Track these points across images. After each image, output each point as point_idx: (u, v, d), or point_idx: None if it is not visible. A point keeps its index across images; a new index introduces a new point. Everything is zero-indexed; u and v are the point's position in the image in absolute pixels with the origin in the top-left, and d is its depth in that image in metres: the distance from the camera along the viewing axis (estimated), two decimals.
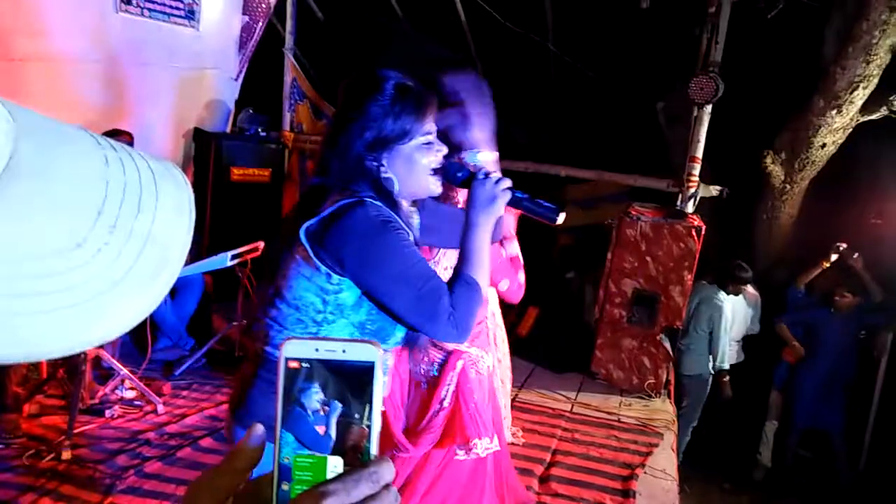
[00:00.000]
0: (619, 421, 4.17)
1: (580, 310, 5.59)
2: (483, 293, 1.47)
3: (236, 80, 5.91)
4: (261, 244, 4.23)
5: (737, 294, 4.99)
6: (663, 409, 4.42)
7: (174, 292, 4.18)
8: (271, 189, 5.72)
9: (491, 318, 3.07)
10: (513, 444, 3.46)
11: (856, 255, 4.86)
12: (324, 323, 1.43)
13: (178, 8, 5.11)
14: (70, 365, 3.44)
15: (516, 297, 2.67)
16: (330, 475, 0.48)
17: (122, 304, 0.43)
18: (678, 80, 5.19)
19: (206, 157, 5.46)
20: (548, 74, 7.36)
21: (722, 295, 4.86)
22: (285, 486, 0.49)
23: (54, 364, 3.63)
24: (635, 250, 4.62)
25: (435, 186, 1.55)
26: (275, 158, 5.85)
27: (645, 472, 3.51)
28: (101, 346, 3.66)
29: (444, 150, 1.55)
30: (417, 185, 1.53)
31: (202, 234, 5.38)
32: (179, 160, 5.55)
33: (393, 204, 1.46)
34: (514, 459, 3.36)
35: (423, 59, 7.16)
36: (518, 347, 3.42)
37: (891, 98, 5.23)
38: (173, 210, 0.46)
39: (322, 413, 0.49)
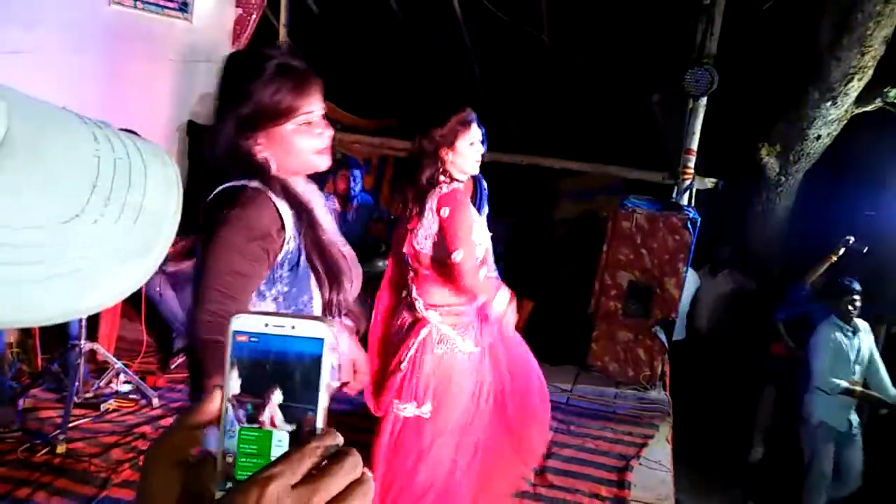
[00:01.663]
0: (614, 413, 4.18)
1: (576, 302, 5.60)
2: None
3: None
4: None
5: None
6: (658, 400, 4.44)
7: (177, 288, 4.17)
8: None
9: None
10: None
11: (865, 248, 4.81)
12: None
13: (171, 0, 5.08)
14: (65, 359, 3.43)
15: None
16: (275, 449, 0.48)
17: (118, 274, 0.44)
18: (673, 72, 5.19)
19: (200, 150, 5.43)
20: (542, 67, 7.35)
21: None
22: (229, 459, 0.49)
23: (49, 358, 3.62)
24: (630, 243, 4.63)
25: (321, 162, 1.55)
26: None
27: (640, 464, 3.52)
28: (96, 341, 3.65)
29: (330, 131, 1.54)
30: (298, 164, 1.53)
31: (198, 227, 5.36)
32: (174, 153, 5.52)
33: (272, 184, 1.46)
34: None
35: (418, 51, 7.15)
36: None
37: (885, 89, 5.24)
38: (162, 185, 0.48)
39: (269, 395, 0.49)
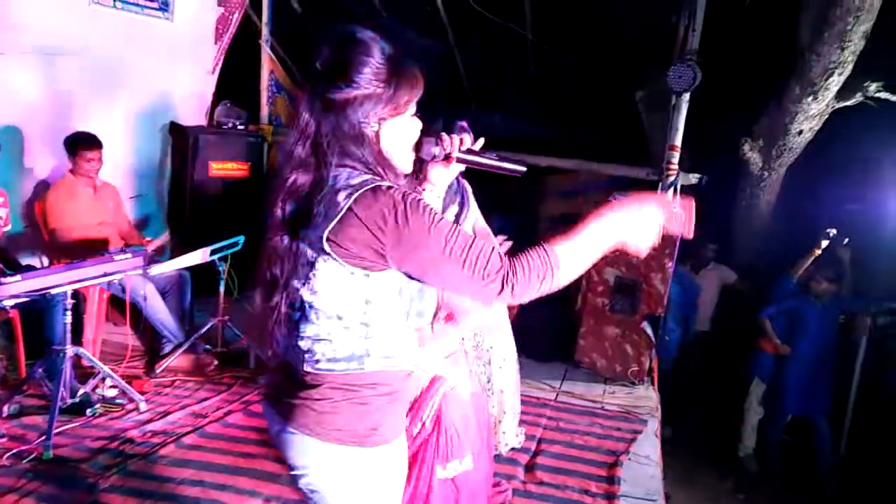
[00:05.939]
0: (603, 409, 4.20)
1: (563, 299, 5.61)
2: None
3: (213, 73, 5.84)
4: (241, 239, 4.20)
5: None
6: (647, 396, 4.46)
7: (164, 293, 4.13)
8: (250, 183, 5.67)
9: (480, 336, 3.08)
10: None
11: (846, 240, 4.88)
12: (371, 324, 1.38)
13: (151, 0, 5.04)
14: (49, 364, 3.40)
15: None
16: None
17: None
18: (657, 68, 5.22)
19: (183, 151, 5.40)
20: (526, 64, 7.36)
21: None
22: None
23: (33, 364, 3.58)
24: None
25: (409, 165, 1.48)
26: (253, 152, 5.79)
27: (629, 459, 3.54)
28: (81, 346, 3.62)
29: (420, 125, 1.47)
30: (401, 161, 1.44)
31: (182, 230, 5.33)
32: (156, 154, 5.47)
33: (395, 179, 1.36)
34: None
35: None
36: None
37: (865, 84, 5.30)
38: None
39: None
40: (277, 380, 1.49)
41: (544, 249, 1.31)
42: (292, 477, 1.47)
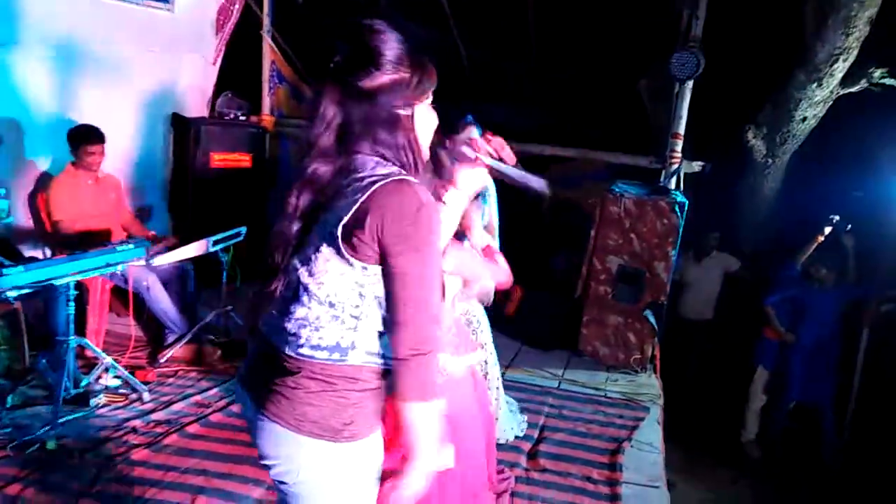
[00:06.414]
0: (605, 396, 4.20)
1: (566, 287, 5.61)
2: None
3: (214, 63, 5.83)
4: (243, 230, 4.20)
5: None
6: (649, 383, 4.46)
7: (166, 284, 4.14)
8: (252, 174, 5.67)
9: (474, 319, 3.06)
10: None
11: (848, 225, 4.87)
12: (361, 317, 1.36)
13: None
14: (53, 355, 3.41)
15: (506, 282, 2.61)
16: None
17: None
18: (660, 56, 5.19)
19: (185, 143, 5.40)
20: (529, 53, 7.33)
21: None
22: None
23: (37, 354, 3.59)
24: (619, 227, 4.63)
25: (428, 155, 1.46)
26: (255, 143, 5.79)
27: (631, 446, 3.54)
28: (84, 336, 3.63)
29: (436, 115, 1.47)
30: (425, 151, 1.44)
31: (184, 221, 5.33)
32: (158, 147, 5.47)
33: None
34: None
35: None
36: (505, 326, 3.42)
37: (870, 70, 5.26)
38: None
39: None
40: (255, 363, 1.47)
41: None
42: (263, 466, 1.45)
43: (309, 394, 1.35)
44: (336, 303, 1.35)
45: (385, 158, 1.34)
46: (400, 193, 1.28)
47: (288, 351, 1.37)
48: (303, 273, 1.36)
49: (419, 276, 1.30)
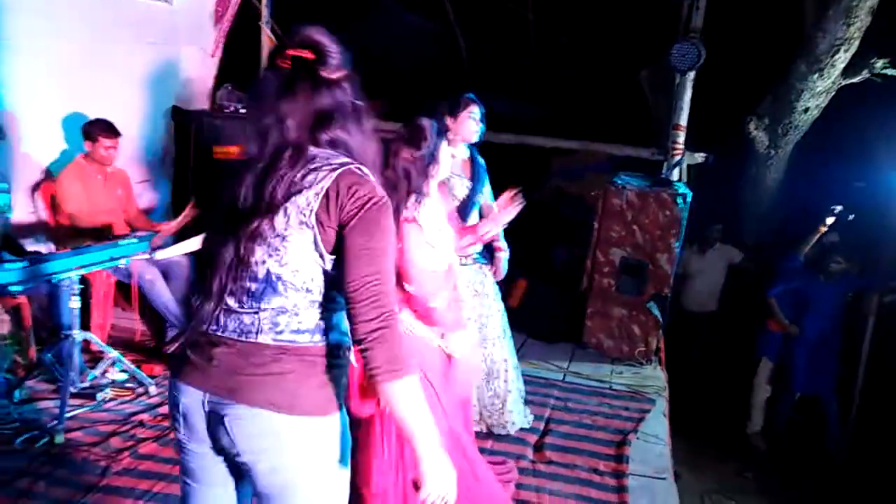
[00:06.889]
0: (610, 388, 4.21)
1: (570, 280, 5.62)
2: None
3: (213, 55, 5.79)
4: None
5: None
6: (654, 375, 4.47)
7: (168, 278, 4.12)
8: None
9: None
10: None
11: (851, 216, 4.87)
12: (336, 299, 1.41)
13: None
14: (58, 349, 3.40)
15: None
16: None
17: None
18: (660, 47, 5.17)
19: (186, 136, 5.37)
20: (529, 45, 7.30)
21: None
22: None
23: (42, 349, 3.58)
24: (621, 219, 4.63)
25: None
26: None
27: (638, 438, 3.55)
28: (89, 330, 3.62)
29: None
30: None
31: None
32: (159, 139, 5.45)
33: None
34: None
35: (402, 31, 7.08)
36: (510, 319, 3.42)
37: (872, 60, 5.26)
38: None
39: None
40: (205, 358, 1.43)
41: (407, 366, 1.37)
42: (230, 458, 1.45)
43: (299, 375, 1.39)
44: (313, 288, 1.40)
45: (336, 149, 1.41)
46: (359, 178, 1.36)
47: (263, 339, 1.39)
48: (271, 264, 1.38)
49: (378, 252, 1.35)
